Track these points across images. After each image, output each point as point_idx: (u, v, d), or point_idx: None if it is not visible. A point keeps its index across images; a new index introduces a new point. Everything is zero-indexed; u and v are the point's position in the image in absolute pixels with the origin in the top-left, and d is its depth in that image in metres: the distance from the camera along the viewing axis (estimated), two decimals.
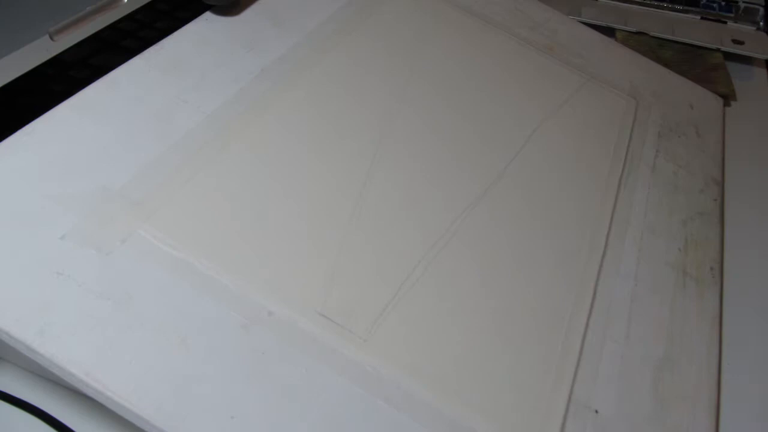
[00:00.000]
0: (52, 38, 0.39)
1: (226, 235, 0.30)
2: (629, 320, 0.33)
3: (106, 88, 0.34)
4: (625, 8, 0.62)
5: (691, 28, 0.60)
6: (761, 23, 0.60)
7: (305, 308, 0.28)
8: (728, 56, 0.58)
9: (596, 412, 0.29)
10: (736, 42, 0.58)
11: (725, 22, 0.61)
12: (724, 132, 0.49)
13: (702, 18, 0.61)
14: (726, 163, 0.45)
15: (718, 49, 0.58)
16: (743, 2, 0.61)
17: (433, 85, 0.42)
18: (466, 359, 0.29)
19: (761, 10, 0.60)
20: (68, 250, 0.27)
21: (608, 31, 0.58)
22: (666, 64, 0.53)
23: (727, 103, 0.54)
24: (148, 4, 0.46)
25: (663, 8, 0.62)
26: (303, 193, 0.33)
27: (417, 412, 0.26)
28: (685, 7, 0.62)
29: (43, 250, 0.26)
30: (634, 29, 0.59)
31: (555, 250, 0.35)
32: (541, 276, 0.33)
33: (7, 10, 0.37)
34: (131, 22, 0.46)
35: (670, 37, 0.58)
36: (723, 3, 0.62)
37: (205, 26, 0.40)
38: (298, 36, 0.41)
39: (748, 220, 0.42)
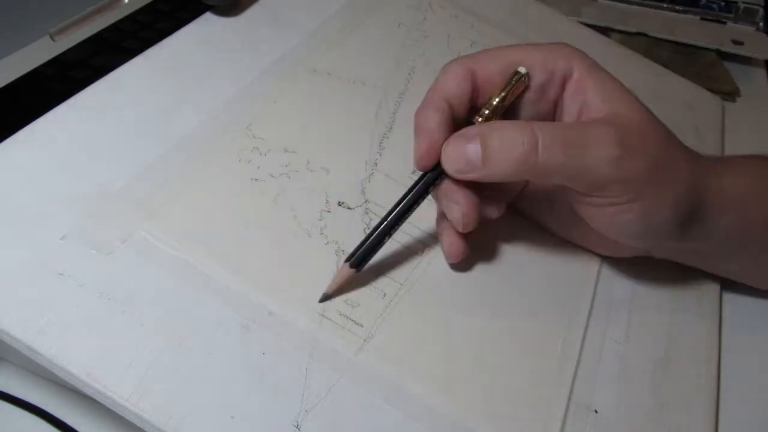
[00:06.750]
0: (52, 39, 0.39)
1: (226, 235, 0.30)
2: (629, 320, 0.33)
3: (106, 88, 0.34)
4: (624, 9, 0.62)
5: (690, 29, 0.60)
6: (761, 24, 0.60)
7: (305, 308, 0.28)
8: (728, 56, 0.58)
9: (596, 412, 0.29)
10: (735, 42, 0.58)
11: (725, 23, 0.61)
12: (724, 132, 0.49)
13: (701, 18, 0.61)
14: None
15: (717, 50, 0.58)
16: (743, 3, 0.61)
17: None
18: (466, 359, 0.29)
19: (761, 11, 0.60)
20: (69, 250, 0.27)
21: (608, 32, 0.58)
22: (664, 65, 0.53)
23: (732, 99, 0.54)
24: (148, 4, 0.46)
25: (662, 9, 0.62)
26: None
27: (417, 412, 0.26)
28: (685, 8, 0.62)
29: (44, 250, 0.26)
30: (633, 30, 0.59)
31: (555, 250, 0.35)
32: (542, 275, 0.33)
33: (7, 11, 0.37)
34: (132, 23, 0.46)
35: (669, 37, 0.58)
36: (722, 3, 0.62)
37: (205, 26, 0.40)
38: (298, 36, 0.41)
39: None
